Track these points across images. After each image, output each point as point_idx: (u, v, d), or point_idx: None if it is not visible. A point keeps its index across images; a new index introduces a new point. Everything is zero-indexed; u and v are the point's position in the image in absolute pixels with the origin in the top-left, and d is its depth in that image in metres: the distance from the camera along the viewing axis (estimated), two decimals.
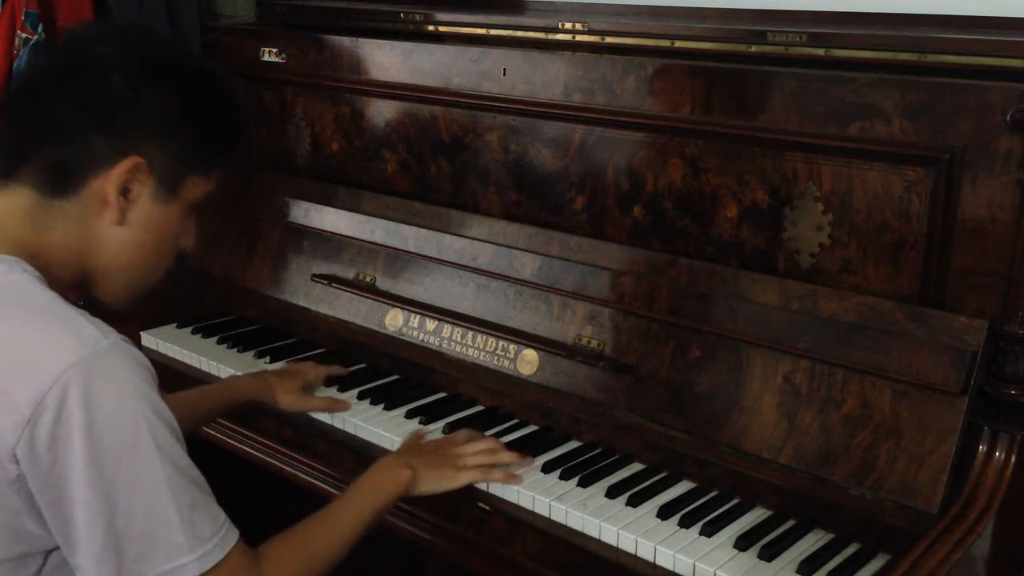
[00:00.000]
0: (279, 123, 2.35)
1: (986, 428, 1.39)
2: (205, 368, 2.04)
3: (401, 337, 1.96)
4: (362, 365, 1.99)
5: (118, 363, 1.12)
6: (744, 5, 1.90)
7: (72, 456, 1.08)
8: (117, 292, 1.31)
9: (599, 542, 1.47)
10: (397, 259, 2.02)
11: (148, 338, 2.17)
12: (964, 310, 1.43)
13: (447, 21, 2.10)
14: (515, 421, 1.77)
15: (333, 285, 2.08)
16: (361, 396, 1.86)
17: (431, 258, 1.96)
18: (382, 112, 2.14)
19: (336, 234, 2.12)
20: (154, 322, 2.21)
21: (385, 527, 1.56)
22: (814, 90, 1.53)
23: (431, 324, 1.92)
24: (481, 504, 1.57)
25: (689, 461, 1.60)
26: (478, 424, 1.73)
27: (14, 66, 2.38)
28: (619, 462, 1.64)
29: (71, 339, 1.11)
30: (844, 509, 1.44)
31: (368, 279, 2.05)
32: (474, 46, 1.96)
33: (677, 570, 1.40)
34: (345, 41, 2.16)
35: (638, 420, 1.64)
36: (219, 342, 2.12)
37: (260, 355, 2.05)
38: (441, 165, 2.04)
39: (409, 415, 1.79)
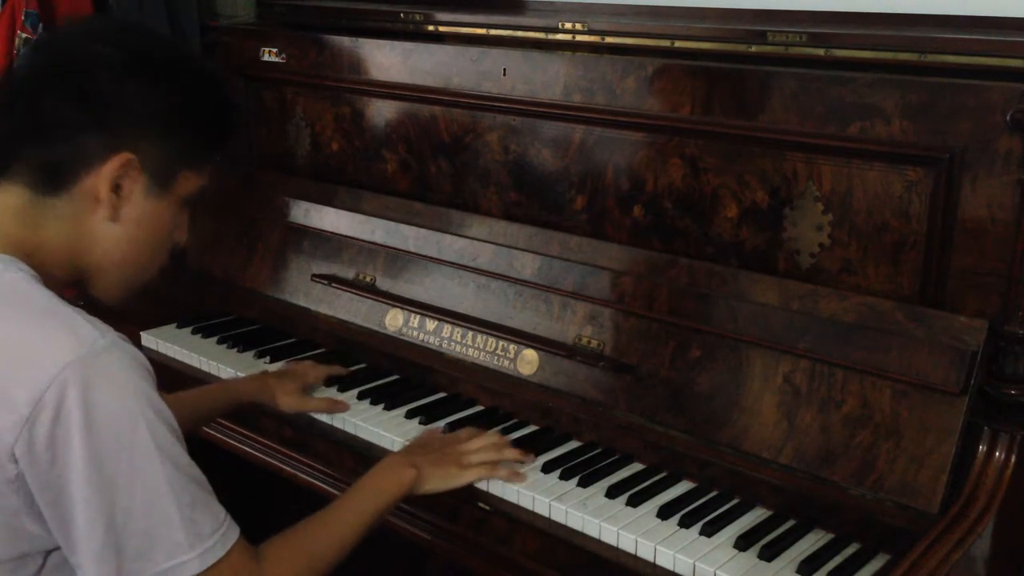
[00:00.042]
0: (279, 123, 2.35)
1: (986, 428, 1.39)
2: (205, 368, 2.04)
3: (401, 337, 1.96)
4: (362, 365, 1.99)
5: (116, 361, 1.12)
6: (744, 5, 1.90)
7: (71, 455, 1.08)
8: (112, 288, 1.31)
9: (599, 542, 1.47)
10: (397, 259, 2.02)
11: (148, 338, 2.17)
12: (964, 310, 1.43)
13: (447, 21, 2.10)
14: (515, 421, 1.77)
15: (333, 285, 2.08)
16: (361, 396, 1.86)
17: (431, 258, 1.96)
18: (382, 112, 2.14)
19: (336, 234, 2.12)
20: (154, 322, 2.21)
21: (385, 527, 1.56)
22: (814, 90, 1.53)
23: (431, 324, 1.92)
24: (481, 504, 1.57)
25: (689, 461, 1.60)
26: (478, 424, 1.73)
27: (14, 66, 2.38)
28: (619, 462, 1.64)
29: (68, 338, 1.10)
30: (844, 509, 1.44)
31: (368, 279, 2.05)
32: (474, 46, 1.96)
33: (677, 570, 1.40)
34: (345, 41, 2.16)
35: (638, 420, 1.64)
36: (219, 342, 2.12)
37: (260, 355, 2.05)
38: (441, 165, 2.04)
39: (409, 415, 1.79)
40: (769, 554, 1.39)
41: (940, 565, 1.24)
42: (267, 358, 2.04)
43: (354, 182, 2.19)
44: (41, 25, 2.40)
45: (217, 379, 2.01)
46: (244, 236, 2.30)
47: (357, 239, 2.08)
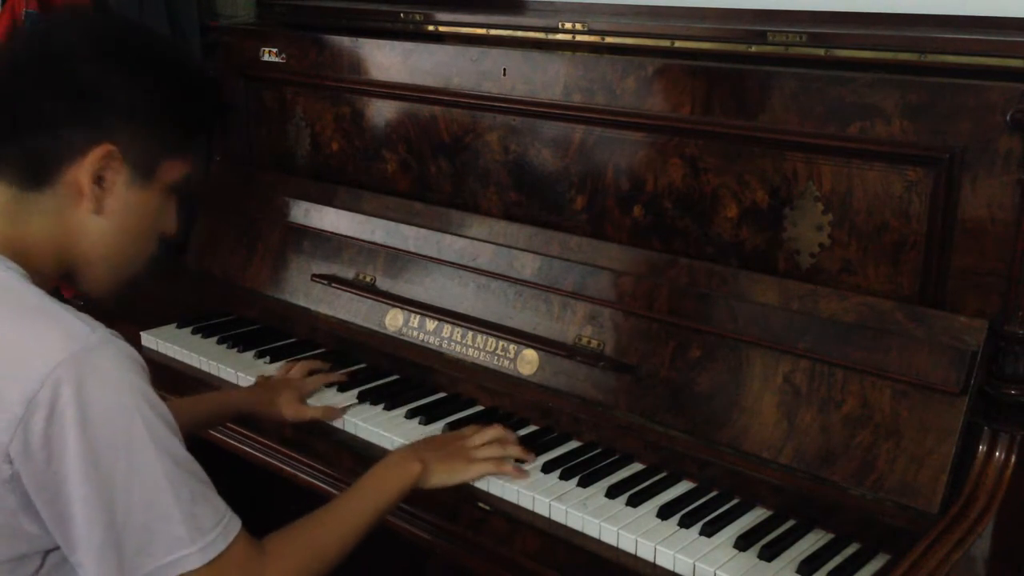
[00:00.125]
0: (279, 123, 2.35)
1: (986, 428, 1.39)
2: (205, 368, 2.04)
3: (401, 337, 1.96)
4: (362, 365, 1.99)
5: (109, 357, 1.11)
6: (744, 5, 1.90)
7: (67, 453, 1.07)
8: (100, 281, 1.30)
9: (599, 542, 1.47)
10: (397, 259, 2.02)
11: (148, 338, 2.17)
12: (964, 310, 1.43)
13: (447, 21, 2.10)
14: (515, 421, 1.77)
15: (333, 285, 2.08)
16: (361, 396, 1.86)
17: (431, 258, 1.96)
18: (382, 112, 2.14)
19: (336, 234, 2.12)
20: (154, 322, 2.21)
21: (385, 527, 1.56)
22: (814, 90, 1.53)
23: (431, 324, 1.92)
24: (481, 504, 1.57)
25: (689, 461, 1.60)
26: (478, 424, 1.73)
27: None
28: (619, 462, 1.64)
29: (60, 335, 1.10)
30: (844, 509, 1.44)
31: (368, 279, 2.05)
32: (474, 46, 1.96)
33: (677, 570, 1.40)
34: (345, 41, 2.16)
35: (638, 420, 1.64)
36: (219, 342, 2.12)
37: (260, 355, 2.05)
38: (441, 165, 2.04)
39: (409, 415, 1.79)
40: (769, 554, 1.39)
41: (940, 565, 1.24)
42: (267, 358, 2.04)
43: (354, 182, 2.19)
44: None
45: (217, 379, 2.01)
46: (244, 236, 2.30)
47: (357, 239, 2.08)
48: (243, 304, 2.25)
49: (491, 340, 1.83)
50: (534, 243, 1.83)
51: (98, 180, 1.21)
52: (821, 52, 1.62)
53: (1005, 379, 1.39)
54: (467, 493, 1.57)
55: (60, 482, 1.08)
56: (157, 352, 2.14)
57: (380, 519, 1.41)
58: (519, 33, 1.98)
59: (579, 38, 1.90)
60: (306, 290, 2.14)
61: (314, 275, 2.11)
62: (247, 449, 1.92)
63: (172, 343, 2.12)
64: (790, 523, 1.48)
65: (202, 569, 1.13)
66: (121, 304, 2.20)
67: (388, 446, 1.70)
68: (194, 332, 2.17)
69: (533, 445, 1.67)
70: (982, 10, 1.67)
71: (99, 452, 1.08)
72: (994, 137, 1.38)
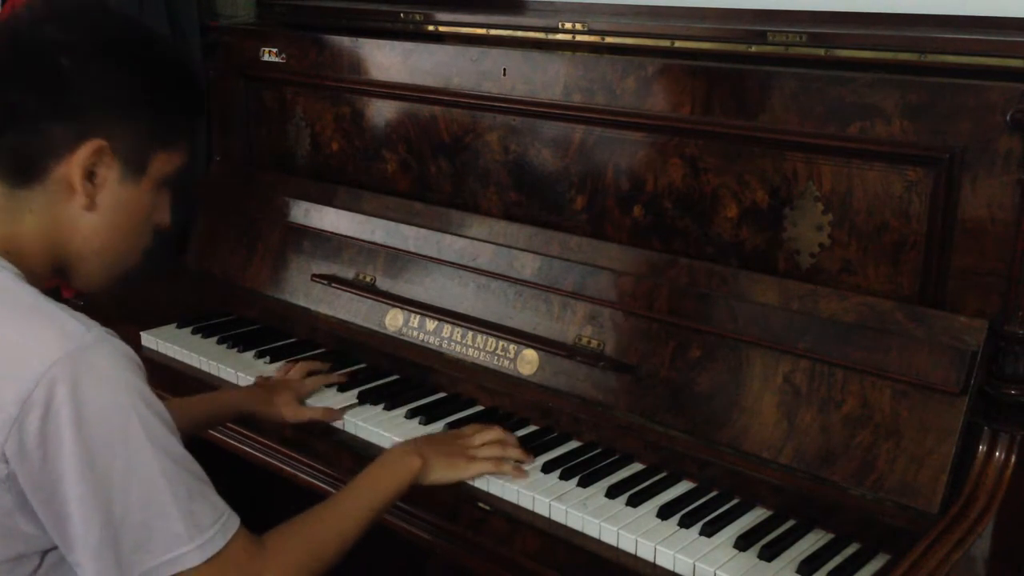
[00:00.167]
0: (279, 123, 2.35)
1: (986, 428, 1.38)
2: (205, 368, 2.04)
3: (401, 337, 1.96)
4: (362, 365, 1.99)
5: (104, 356, 1.11)
6: (744, 5, 1.90)
7: (63, 452, 1.07)
8: (94, 277, 1.29)
9: (599, 542, 1.47)
10: (397, 259, 2.02)
11: (148, 338, 2.17)
12: (964, 310, 1.43)
13: (447, 21, 2.10)
14: (515, 421, 1.77)
15: (333, 285, 2.08)
16: (361, 396, 1.86)
17: (431, 258, 1.96)
18: (382, 112, 2.14)
19: (336, 234, 2.12)
20: (154, 322, 2.21)
21: (385, 527, 1.56)
22: (814, 90, 1.53)
23: (431, 324, 1.92)
24: (481, 504, 1.57)
25: (689, 461, 1.60)
26: (478, 424, 1.73)
27: None
28: (619, 462, 1.64)
29: (55, 335, 1.10)
30: (844, 509, 1.44)
31: (368, 279, 2.05)
32: (474, 46, 1.96)
33: (677, 570, 1.40)
34: (345, 41, 2.16)
35: (638, 420, 1.64)
36: (219, 342, 2.12)
37: (260, 355, 2.05)
38: (441, 165, 2.04)
39: (409, 415, 1.79)
40: (769, 554, 1.39)
41: (940, 565, 1.24)
42: (267, 358, 2.04)
43: (354, 182, 2.19)
44: None
45: (217, 379, 2.01)
46: (244, 236, 2.30)
47: (357, 239, 2.08)
48: (243, 304, 2.25)
49: (491, 340, 1.83)
50: (534, 243, 1.83)
51: (89, 176, 1.20)
52: (821, 52, 1.62)
53: (1005, 379, 1.39)
54: (467, 493, 1.57)
55: (56, 481, 1.08)
56: (157, 352, 2.14)
57: (380, 515, 1.41)
58: (519, 33, 1.98)
59: (579, 38, 1.90)
60: (306, 290, 2.14)
61: (314, 275, 2.11)
62: (247, 449, 1.92)
63: (172, 343, 2.12)
64: (790, 523, 1.48)
65: (201, 567, 1.12)
66: (121, 304, 2.21)
67: (388, 446, 1.70)
68: (194, 332, 2.17)
69: (533, 445, 1.67)
70: (982, 10, 1.67)
71: (95, 451, 1.08)
72: (994, 137, 1.38)
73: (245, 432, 1.91)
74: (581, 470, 1.59)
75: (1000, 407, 1.39)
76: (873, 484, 1.42)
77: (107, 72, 1.20)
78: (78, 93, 1.18)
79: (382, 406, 1.82)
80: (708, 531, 1.45)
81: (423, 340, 1.93)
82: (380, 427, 1.75)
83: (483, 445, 1.59)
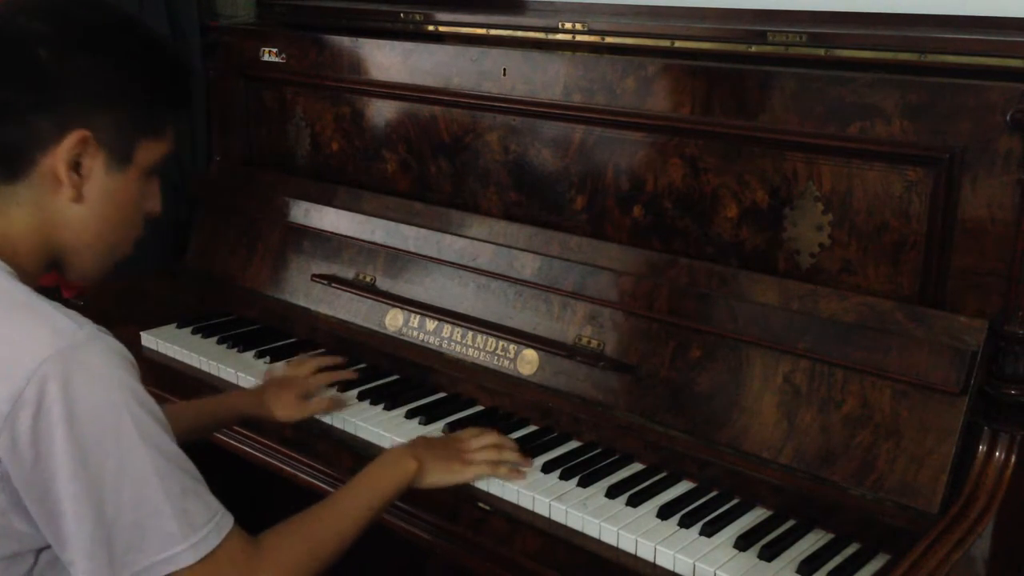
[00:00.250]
0: (279, 123, 2.35)
1: (986, 428, 1.38)
2: (205, 368, 2.04)
3: (401, 337, 1.96)
4: (362, 365, 1.99)
5: (97, 353, 1.10)
6: (744, 5, 1.90)
7: (55, 451, 1.06)
8: (87, 269, 1.28)
9: (599, 542, 1.47)
10: (397, 259, 2.02)
11: (148, 338, 2.17)
12: (964, 310, 1.43)
13: (447, 21, 2.10)
14: (515, 421, 1.77)
15: (333, 285, 2.08)
16: (361, 396, 1.86)
17: (431, 258, 1.96)
18: (382, 112, 2.14)
19: (336, 234, 2.12)
20: (154, 322, 2.21)
21: (385, 526, 1.56)
22: (814, 90, 1.53)
23: (431, 324, 1.92)
24: (481, 504, 1.57)
25: (689, 461, 1.60)
26: (478, 424, 1.73)
27: None
28: (619, 462, 1.64)
29: (46, 332, 1.09)
30: (844, 509, 1.44)
31: (368, 279, 2.05)
32: (474, 46, 1.96)
33: (677, 570, 1.40)
34: (345, 41, 2.16)
35: (638, 420, 1.64)
36: (219, 342, 2.12)
37: (260, 355, 2.05)
38: (441, 165, 2.04)
39: (409, 415, 1.79)
40: (769, 554, 1.39)
41: (940, 565, 1.24)
42: (267, 358, 2.04)
43: (354, 182, 2.19)
44: None
45: (217, 379, 2.01)
46: (244, 236, 2.30)
47: (357, 239, 2.08)
48: (243, 304, 2.25)
49: (491, 340, 1.83)
50: (534, 243, 1.83)
51: (75, 167, 1.19)
52: (821, 52, 1.62)
53: (1005, 379, 1.39)
54: (467, 493, 1.57)
55: (49, 480, 1.07)
56: (157, 352, 2.14)
57: (377, 516, 1.41)
58: (519, 33, 1.98)
59: (579, 38, 1.90)
60: (306, 290, 2.14)
61: (314, 275, 2.11)
62: (247, 449, 1.92)
63: (172, 343, 2.12)
64: (790, 523, 1.48)
65: (195, 566, 1.12)
66: (121, 304, 2.21)
67: (388, 446, 1.70)
68: (194, 332, 2.17)
69: (533, 445, 1.67)
70: (982, 10, 1.67)
71: (87, 449, 1.07)
72: (994, 137, 1.38)
73: (245, 432, 1.91)
74: (581, 470, 1.59)
75: (1000, 407, 1.39)
76: (873, 484, 1.42)
77: (87, 62, 1.18)
78: (59, 84, 1.17)
79: (382, 406, 1.82)
80: (708, 531, 1.45)
81: (423, 340, 1.93)
82: (380, 427, 1.75)
83: (479, 449, 1.59)
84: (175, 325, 2.21)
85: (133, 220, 1.28)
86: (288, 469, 1.85)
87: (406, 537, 1.64)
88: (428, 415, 1.78)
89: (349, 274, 2.08)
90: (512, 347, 1.80)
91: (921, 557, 1.25)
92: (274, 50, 2.29)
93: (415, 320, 1.95)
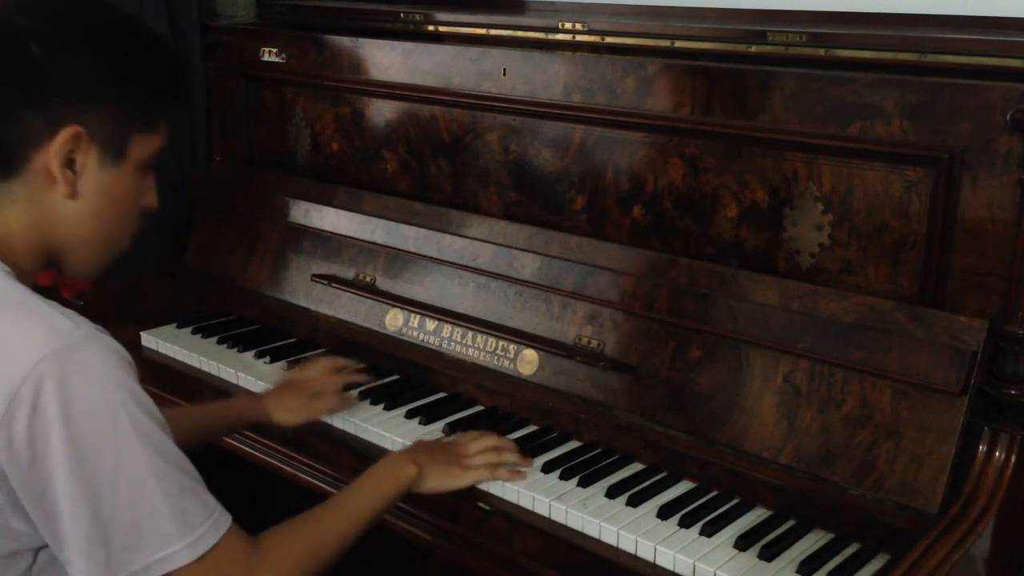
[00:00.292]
0: (279, 123, 2.35)
1: (986, 428, 1.39)
2: (205, 368, 2.04)
3: (401, 337, 1.96)
4: (362, 365, 1.99)
5: (93, 353, 1.10)
6: (744, 5, 1.90)
7: (51, 450, 1.06)
8: (85, 265, 1.27)
9: (599, 542, 1.47)
10: (397, 259, 2.02)
11: (148, 338, 2.17)
12: (964, 310, 1.43)
13: (447, 21, 2.10)
14: (515, 421, 1.77)
15: (333, 285, 2.08)
16: (361, 396, 1.86)
17: (431, 258, 1.96)
18: (382, 112, 2.14)
19: (336, 234, 2.12)
20: (154, 322, 2.21)
21: (385, 527, 1.56)
22: (814, 90, 1.53)
23: (431, 324, 1.92)
24: (481, 504, 1.57)
25: (689, 461, 1.60)
26: (478, 424, 1.73)
27: None
28: (619, 462, 1.64)
29: (42, 332, 1.09)
30: (844, 509, 1.44)
31: (368, 279, 2.05)
32: (474, 46, 1.96)
33: (677, 570, 1.40)
34: (345, 41, 2.16)
35: (638, 420, 1.64)
36: (219, 342, 2.12)
37: (260, 355, 2.05)
38: (441, 165, 2.04)
39: (409, 415, 1.79)
40: (769, 554, 1.39)
41: (940, 565, 1.24)
42: (267, 358, 2.04)
43: (354, 182, 2.19)
44: None
45: (217, 379, 2.01)
46: (244, 236, 2.30)
47: (357, 239, 2.08)
48: (243, 304, 2.25)
49: (491, 340, 1.83)
50: (534, 243, 1.83)
51: (68, 164, 1.18)
52: (821, 52, 1.62)
53: (1005, 379, 1.39)
54: (467, 493, 1.57)
55: (45, 479, 1.07)
56: (157, 352, 2.14)
57: (376, 519, 1.41)
58: (519, 33, 1.98)
59: (579, 38, 1.90)
60: (306, 290, 2.14)
61: (314, 275, 2.11)
62: (247, 449, 1.92)
63: (172, 343, 2.12)
64: (790, 523, 1.48)
65: (192, 565, 1.11)
66: (121, 304, 2.21)
67: (388, 446, 1.70)
68: (194, 332, 2.17)
69: (533, 445, 1.67)
70: (982, 10, 1.67)
71: (84, 449, 1.07)
72: (994, 137, 1.38)
73: (245, 432, 1.91)
74: (581, 470, 1.59)
75: (1000, 407, 1.39)
76: (873, 484, 1.42)
77: (78, 57, 1.18)
78: (50, 80, 1.16)
79: (382, 406, 1.82)
80: (708, 531, 1.44)
81: (423, 340, 1.93)
82: (380, 427, 1.75)
83: (478, 453, 1.58)
84: (175, 325, 2.21)
85: (129, 215, 1.28)
86: (288, 469, 1.85)
87: (406, 537, 1.64)
88: (428, 415, 1.78)
89: (349, 274, 2.08)
90: (512, 347, 1.80)
91: (921, 557, 1.25)
92: (274, 50, 2.29)
93: (415, 320, 1.95)
